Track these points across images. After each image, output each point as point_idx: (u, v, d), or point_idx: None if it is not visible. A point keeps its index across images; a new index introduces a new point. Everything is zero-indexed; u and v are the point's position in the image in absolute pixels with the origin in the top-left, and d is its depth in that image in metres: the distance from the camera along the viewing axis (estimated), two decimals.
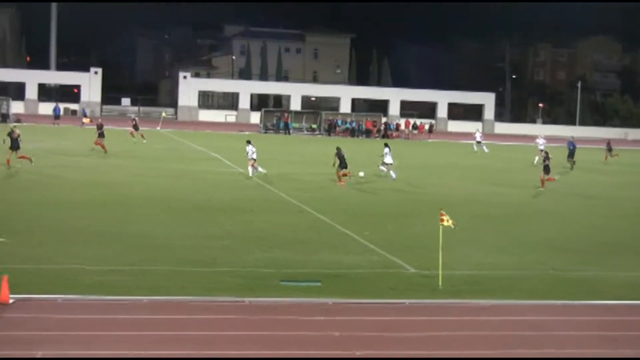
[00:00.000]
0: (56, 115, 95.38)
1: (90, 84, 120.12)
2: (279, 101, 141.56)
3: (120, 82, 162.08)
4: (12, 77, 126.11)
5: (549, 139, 76.71)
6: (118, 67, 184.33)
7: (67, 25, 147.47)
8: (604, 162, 72.04)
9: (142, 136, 69.24)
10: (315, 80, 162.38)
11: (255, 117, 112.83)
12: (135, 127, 70.80)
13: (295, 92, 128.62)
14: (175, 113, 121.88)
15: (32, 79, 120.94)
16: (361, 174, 48.02)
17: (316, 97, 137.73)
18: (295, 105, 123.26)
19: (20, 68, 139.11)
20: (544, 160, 49.42)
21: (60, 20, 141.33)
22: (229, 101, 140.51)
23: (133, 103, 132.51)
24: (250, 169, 47.17)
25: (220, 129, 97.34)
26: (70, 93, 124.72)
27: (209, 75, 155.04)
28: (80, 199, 35.37)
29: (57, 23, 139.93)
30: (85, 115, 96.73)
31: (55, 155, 55.34)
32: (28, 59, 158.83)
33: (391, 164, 49.52)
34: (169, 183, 43.01)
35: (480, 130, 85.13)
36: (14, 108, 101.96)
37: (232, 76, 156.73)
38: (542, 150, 65.48)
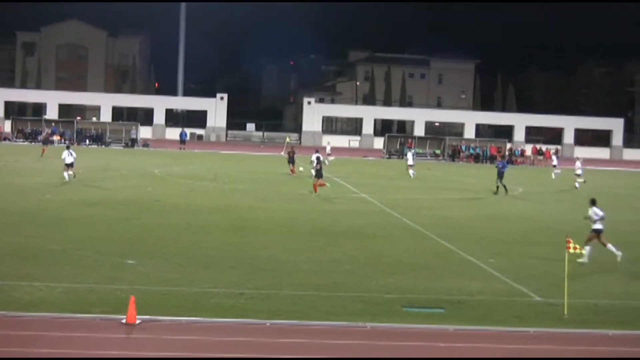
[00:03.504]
0: (182, 140, 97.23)
1: (216, 109, 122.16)
2: (403, 126, 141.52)
3: (245, 108, 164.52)
4: (141, 102, 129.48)
5: None
6: (243, 93, 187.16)
7: (194, 51, 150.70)
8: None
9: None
10: (439, 105, 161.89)
11: (379, 143, 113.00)
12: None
13: (419, 118, 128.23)
14: (299, 138, 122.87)
15: (160, 104, 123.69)
16: (300, 169, 61.81)
17: (440, 123, 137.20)
18: (419, 130, 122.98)
19: (149, 94, 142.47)
20: (316, 165, 51.08)
21: (188, 46, 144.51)
22: (353, 126, 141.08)
23: (257, 128, 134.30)
24: (65, 174, 50.44)
25: (343, 154, 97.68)
26: (196, 118, 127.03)
27: (333, 101, 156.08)
28: (210, 224, 36.01)
29: (185, 49, 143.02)
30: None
31: (182, 179, 56.35)
32: (156, 85, 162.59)
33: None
34: (292, 207, 43.37)
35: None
36: (142, 133, 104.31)
37: (355, 101, 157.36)
38: (579, 175, 63.65)
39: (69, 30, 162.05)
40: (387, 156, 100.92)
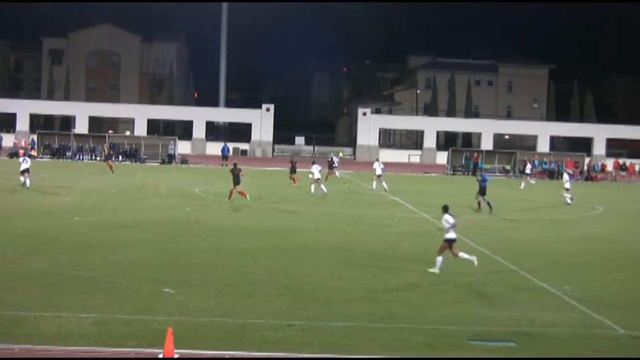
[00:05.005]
0: (224, 156, 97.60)
1: (261, 121, 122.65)
2: (469, 139, 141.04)
3: (294, 120, 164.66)
4: (179, 114, 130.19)
5: None
6: (292, 103, 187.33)
7: (237, 58, 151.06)
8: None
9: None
10: (509, 116, 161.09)
11: (442, 157, 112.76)
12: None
13: (487, 130, 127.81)
14: (354, 153, 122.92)
15: (199, 116, 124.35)
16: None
17: (510, 135, 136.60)
18: (487, 144, 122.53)
19: (188, 105, 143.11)
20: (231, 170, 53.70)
21: (230, 52, 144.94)
22: (413, 140, 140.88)
23: (307, 142, 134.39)
24: (21, 178, 57.07)
25: (402, 170, 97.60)
26: (239, 132, 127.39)
27: (390, 112, 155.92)
28: (254, 247, 36.11)
29: (227, 56, 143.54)
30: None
31: (224, 198, 56.61)
32: (196, 95, 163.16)
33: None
34: (345, 230, 43.40)
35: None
36: (180, 148, 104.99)
37: (416, 112, 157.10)
38: (567, 189, 62.21)
39: (100, 35, 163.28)
40: (452, 172, 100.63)
